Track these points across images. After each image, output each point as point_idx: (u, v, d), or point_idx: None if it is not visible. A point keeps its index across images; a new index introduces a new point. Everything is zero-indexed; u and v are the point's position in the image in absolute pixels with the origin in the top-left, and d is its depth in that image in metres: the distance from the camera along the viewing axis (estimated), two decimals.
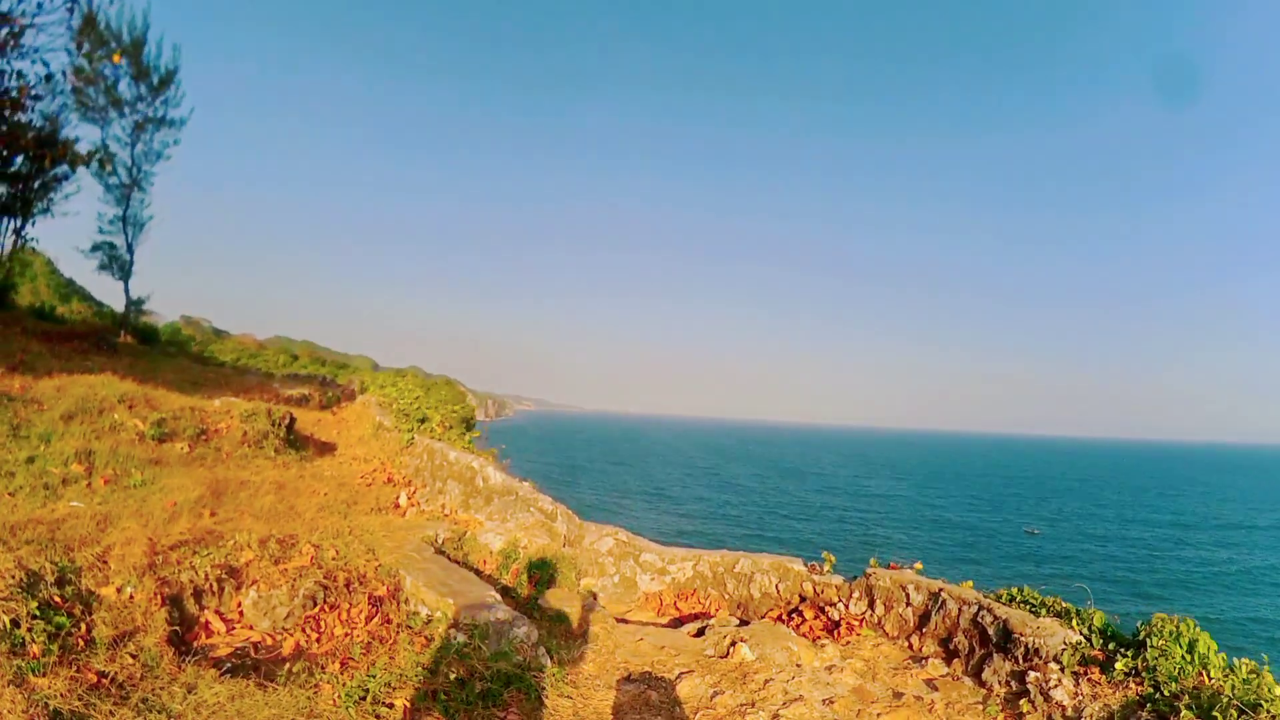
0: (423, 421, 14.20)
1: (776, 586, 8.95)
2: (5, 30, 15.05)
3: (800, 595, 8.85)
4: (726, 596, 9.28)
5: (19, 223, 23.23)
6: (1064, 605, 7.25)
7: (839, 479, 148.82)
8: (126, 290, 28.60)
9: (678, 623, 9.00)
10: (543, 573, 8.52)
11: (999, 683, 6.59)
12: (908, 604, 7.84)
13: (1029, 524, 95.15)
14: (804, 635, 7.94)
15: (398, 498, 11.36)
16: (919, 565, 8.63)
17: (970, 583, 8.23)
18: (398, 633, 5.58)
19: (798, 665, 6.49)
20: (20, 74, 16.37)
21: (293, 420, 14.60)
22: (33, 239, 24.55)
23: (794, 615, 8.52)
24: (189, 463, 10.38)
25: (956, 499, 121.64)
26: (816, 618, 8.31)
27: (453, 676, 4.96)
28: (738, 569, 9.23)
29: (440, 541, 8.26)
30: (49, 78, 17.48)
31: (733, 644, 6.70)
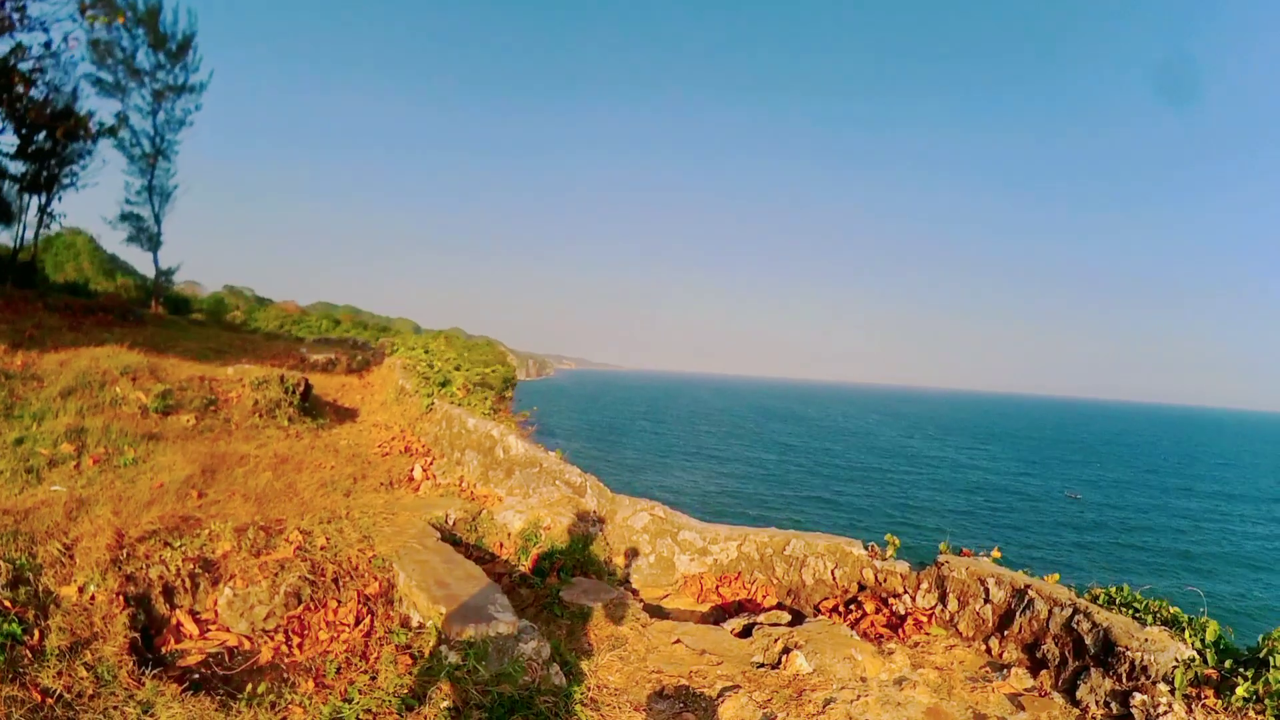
0: (444, 385, 13.37)
1: (832, 573, 7.94)
2: (9, 4, 14.37)
3: (859, 583, 7.83)
4: (775, 582, 8.30)
5: (44, 199, 22.90)
6: (1171, 611, 6.11)
7: (881, 439, 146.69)
8: (156, 261, 28.37)
9: (720, 611, 8.06)
10: (567, 558, 7.63)
11: (1096, 703, 5.53)
12: (986, 600, 6.77)
13: (1070, 488, 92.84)
14: (865, 632, 6.94)
15: (412, 470, 10.57)
16: (996, 553, 7.53)
17: (1056, 576, 7.12)
18: (382, 645, 4.70)
19: (862, 679, 5.49)
20: (25, 47, 15.78)
21: (308, 386, 13.89)
22: (61, 215, 24.32)
23: (852, 606, 7.52)
24: (192, 437, 9.67)
25: (999, 461, 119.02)
26: (878, 611, 7.29)
27: (444, 705, 4.06)
28: (788, 551, 8.23)
29: (451, 523, 7.39)
30: (48, 45, 16.84)
31: (785, 651, 5.71)
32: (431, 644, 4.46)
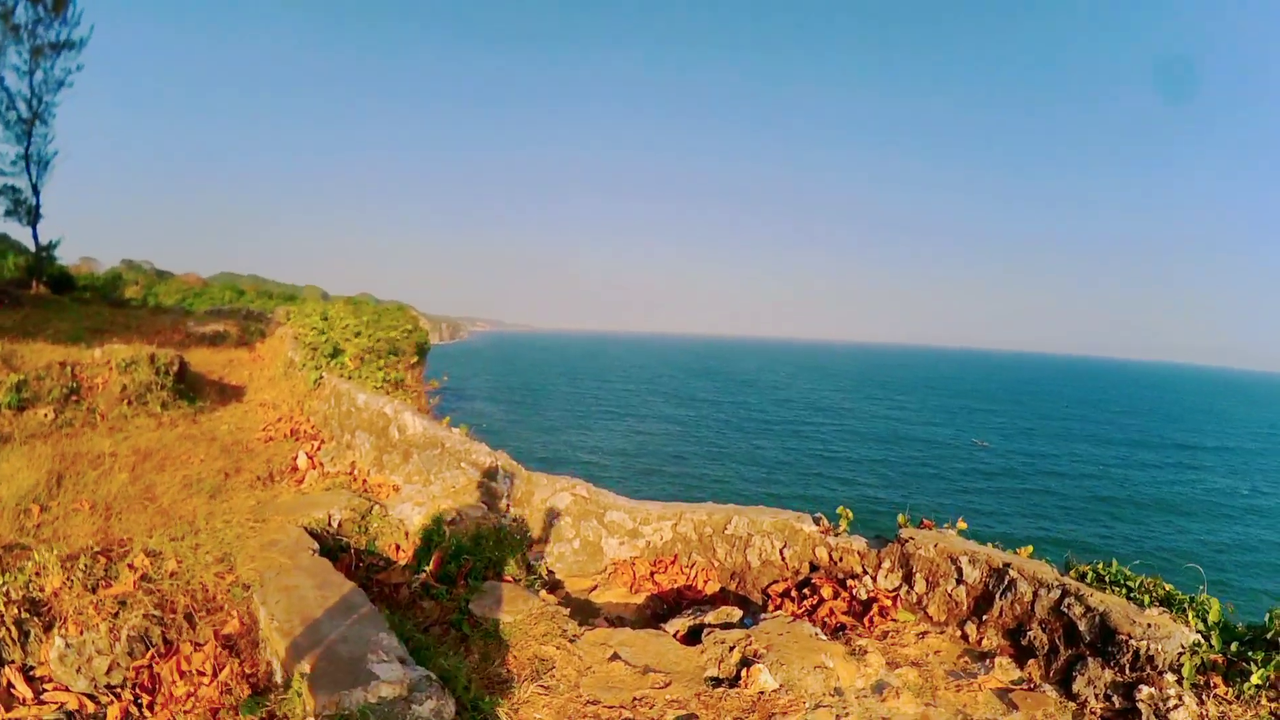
0: (334, 355, 11.83)
1: (781, 552, 7.06)
2: None
3: (811, 563, 6.97)
4: (716, 564, 7.38)
5: None
6: (1166, 589, 5.45)
7: (795, 390, 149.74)
8: (35, 236, 25.26)
9: (658, 602, 7.10)
10: (477, 557, 6.48)
11: (1096, 696, 4.81)
12: (959, 581, 5.99)
13: (979, 437, 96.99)
14: (825, 622, 6.08)
15: (295, 458, 9.17)
16: (962, 524, 6.79)
17: (1029, 549, 6.43)
18: (235, 715, 3.48)
19: (837, 691, 4.59)
20: None
21: (184, 365, 12.18)
22: None
23: (806, 591, 6.66)
24: (48, 434, 8.05)
25: (910, 411, 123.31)
26: (837, 596, 6.45)
27: None
28: (730, 530, 7.30)
29: (336, 524, 6.14)
30: None
31: (745, 663, 4.76)
32: (298, 712, 3.26)
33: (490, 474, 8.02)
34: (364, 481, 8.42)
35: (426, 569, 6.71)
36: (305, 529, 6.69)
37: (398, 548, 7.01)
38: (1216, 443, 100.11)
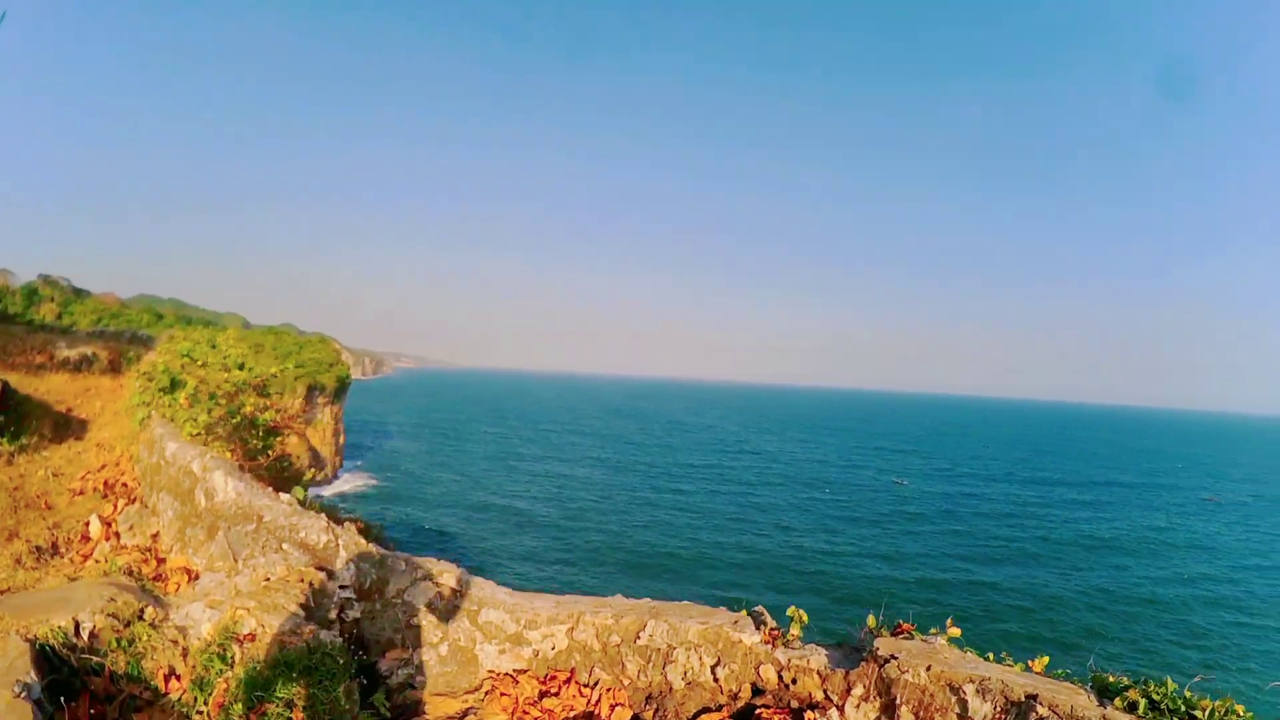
0: (170, 389, 9.51)
1: (713, 671, 5.19)
2: None
3: (755, 685, 5.13)
4: (627, 683, 5.46)
5: None
6: (1239, 712, 3.84)
7: (720, 434, 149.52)
8: None
9: None
10: (283, 689, 4.40)
11: None
12: (962, 716, 4.24)
13: (896, 475, 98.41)
14: None
15: (88, 525, 6.90)
16: (954, 629, 5.08)
17: (1046, 659, 4.78)
18: None
19: None
20: None
21: (7, 391, 9.84)
22: None
23: None
24: None
25: (830, 452, 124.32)
26: None
27: None
28: (645, 640, 5.40)
29: (86, 636, 4.02)
30: None
31: None
32: None
33: (324, 556, 5.93)
34: (159, 563, 6.23)
35: (208, 710, 4.60)
36: (35, 643, 4.53)
37: (171, 673, 4.86)
38: (1132, 479, 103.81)
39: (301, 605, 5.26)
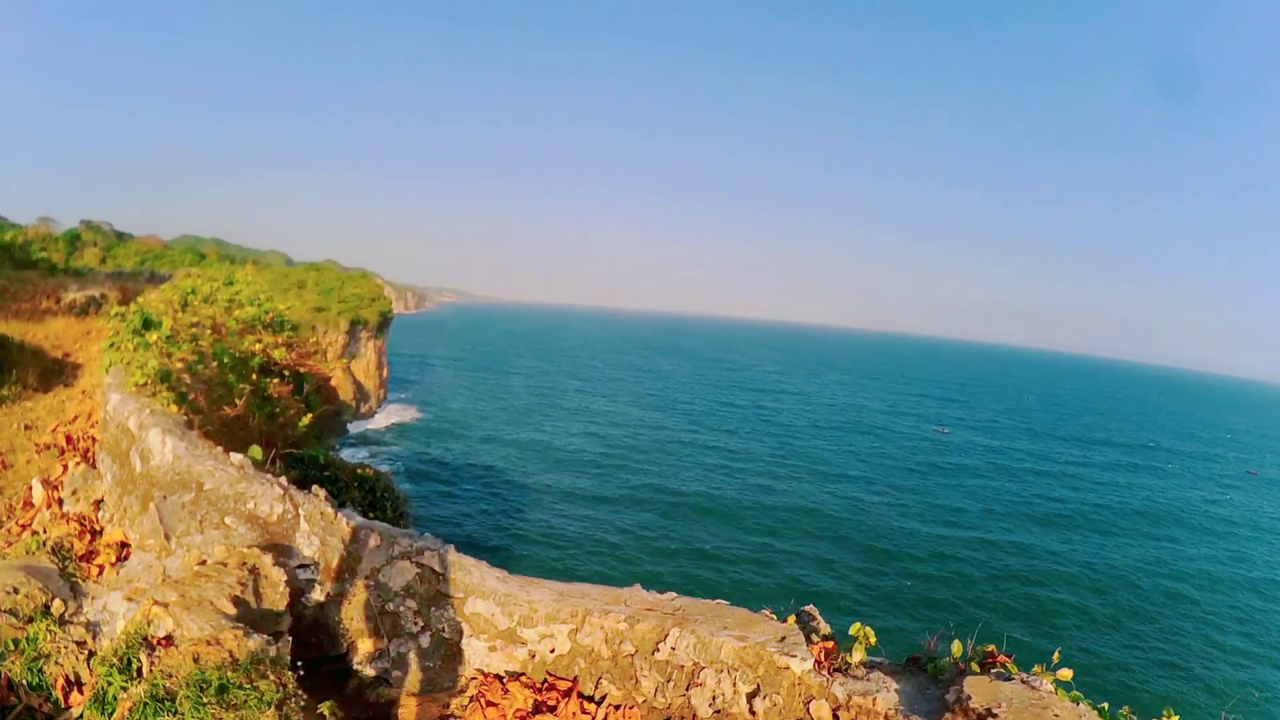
0: (143, 330, 8.49)
1: (750, 702, 4.06)
2: None
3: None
4: (641, 702, 4.38)
5: None
6: None
7: (760, 373, 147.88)
8: None
9: None
10: (197, 716, 3.39)
11: None
12: None
13: (938, 424, 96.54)
14: None
15: (30, 490, 6.00)
16: (1064, 671, 3.87)
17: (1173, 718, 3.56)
18: None
19: None
20: None
21: None
22: None
23: None
24: None
25: (873, 397, 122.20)
26: None
27: None
28: (665, 652, 4.29)
29: None
30: None
31: None
32: None
33: (278, 530, 4.91)
34: (93, 537, 5.29)
35: None
36: None
37: (73, 683, 3.90)
38: (1173, 444, 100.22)
39: (234, 599, 4.23)
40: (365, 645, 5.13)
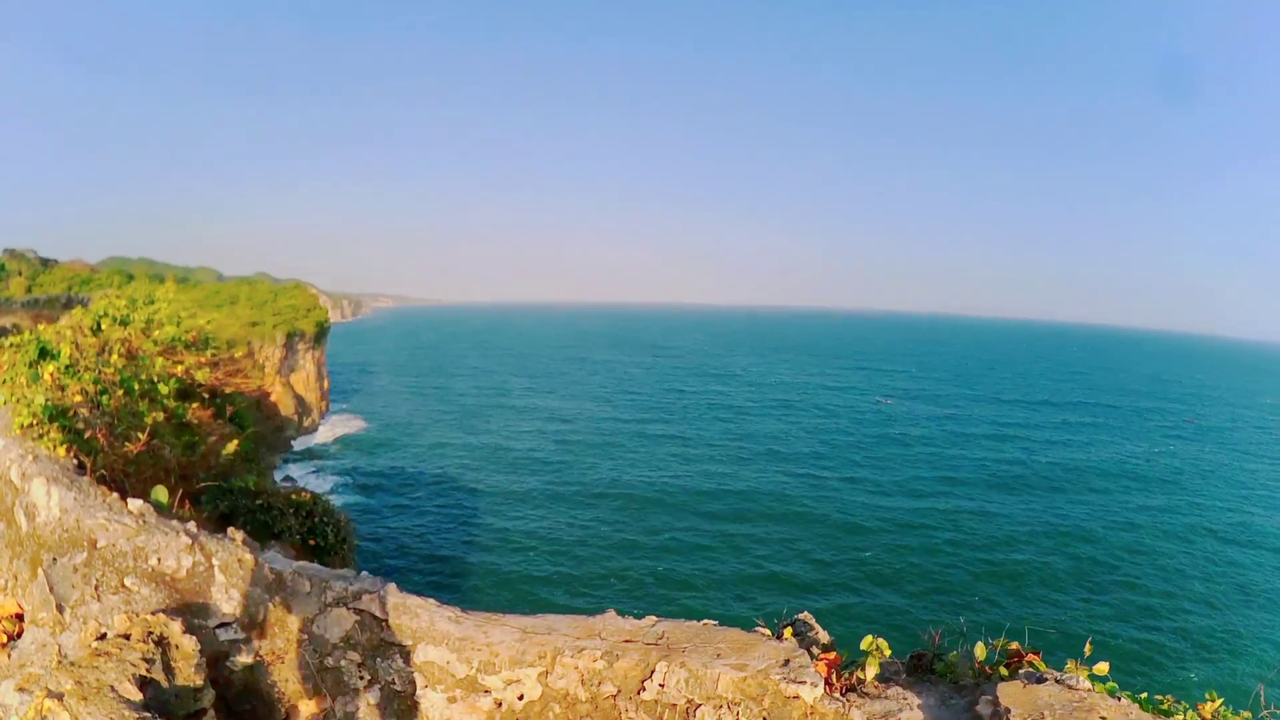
0: (39, 361, 7.51)
1: None
2: None
3: None
4: None
5: None
6: None
7: (705, 358, 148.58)
8: None
9: None
10: None
11: None
12: None
13: (881, 395, 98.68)
14: None
15: None
16: (1100, 665, 3.46)
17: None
18: None
19: None
20: None
21: None
22: None
23: None
24: None
25: (814, 373, 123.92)
26: None
27: None
28: (652, 691, 3.74)
29: None
30: None
31: None
32: None
33: (192, 587, 4.20)
34: None
35: None
36: None
37: None
38: (1110, 400, 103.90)
39: (140, 680, 3.53)
40: (307, 708, 4.48)
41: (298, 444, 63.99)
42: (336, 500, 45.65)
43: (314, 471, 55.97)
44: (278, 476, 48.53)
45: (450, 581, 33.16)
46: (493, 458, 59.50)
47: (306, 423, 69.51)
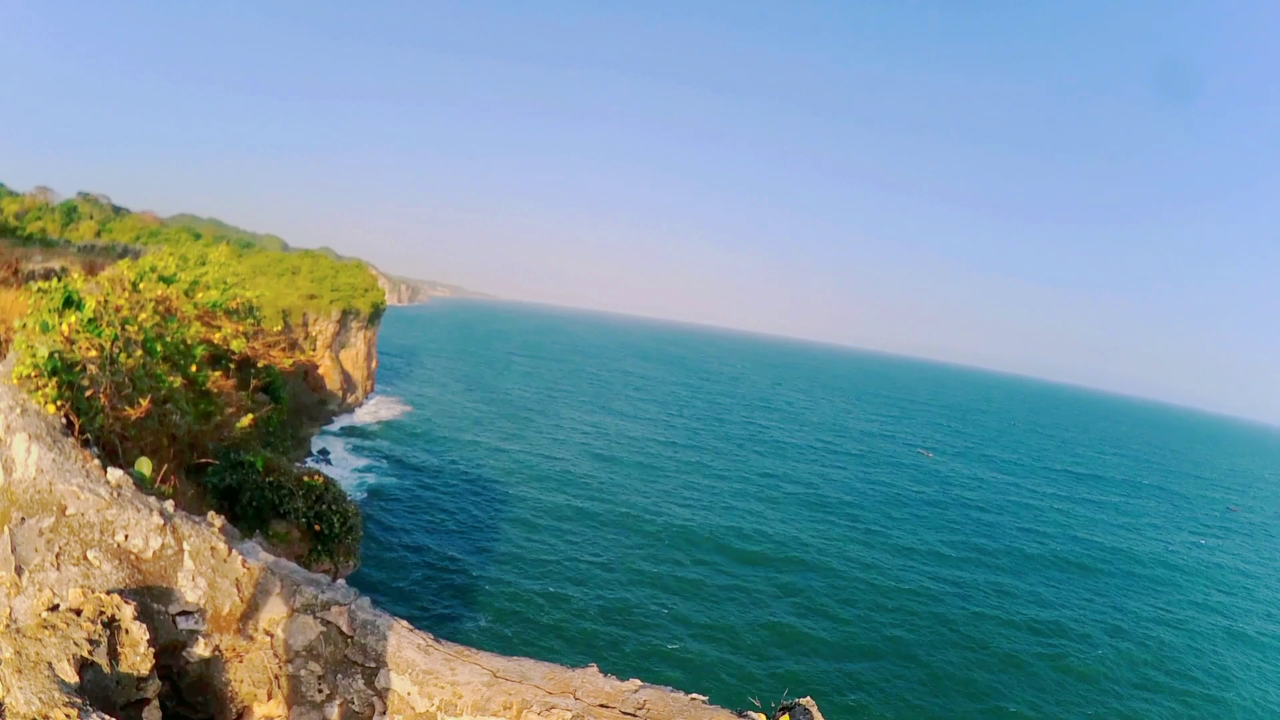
0: (62, 309, 7.44)
1: None
2: None
3: None
4: None
5: None
6: None
7: (750, 386, 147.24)
8: None
9: None
10: None
11: None
12: None
13: (924, 447, 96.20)
14: None
15: None
16: None
17: None
18: None
19: None
20: None
21: None
22: None
23: None
24: None
25: (858, 415, 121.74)
26: None
27: None
28: None
29: None
30: None
31: None
32: None
33: (159, 572, 3.96)
34: None
35: None
36: None
37: None
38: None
39: (80, 662, 3.28)
40: (261, 710, 4.20)
41: (338, 420, 64.95)
42: (363, 480, 46.02)
43: (349, 448, 56.67)
44: (314, 447, 49.16)
45: (447, 586, 32.91)
46: (524, 465, 59.42)
47: (350, 399, 70.56)
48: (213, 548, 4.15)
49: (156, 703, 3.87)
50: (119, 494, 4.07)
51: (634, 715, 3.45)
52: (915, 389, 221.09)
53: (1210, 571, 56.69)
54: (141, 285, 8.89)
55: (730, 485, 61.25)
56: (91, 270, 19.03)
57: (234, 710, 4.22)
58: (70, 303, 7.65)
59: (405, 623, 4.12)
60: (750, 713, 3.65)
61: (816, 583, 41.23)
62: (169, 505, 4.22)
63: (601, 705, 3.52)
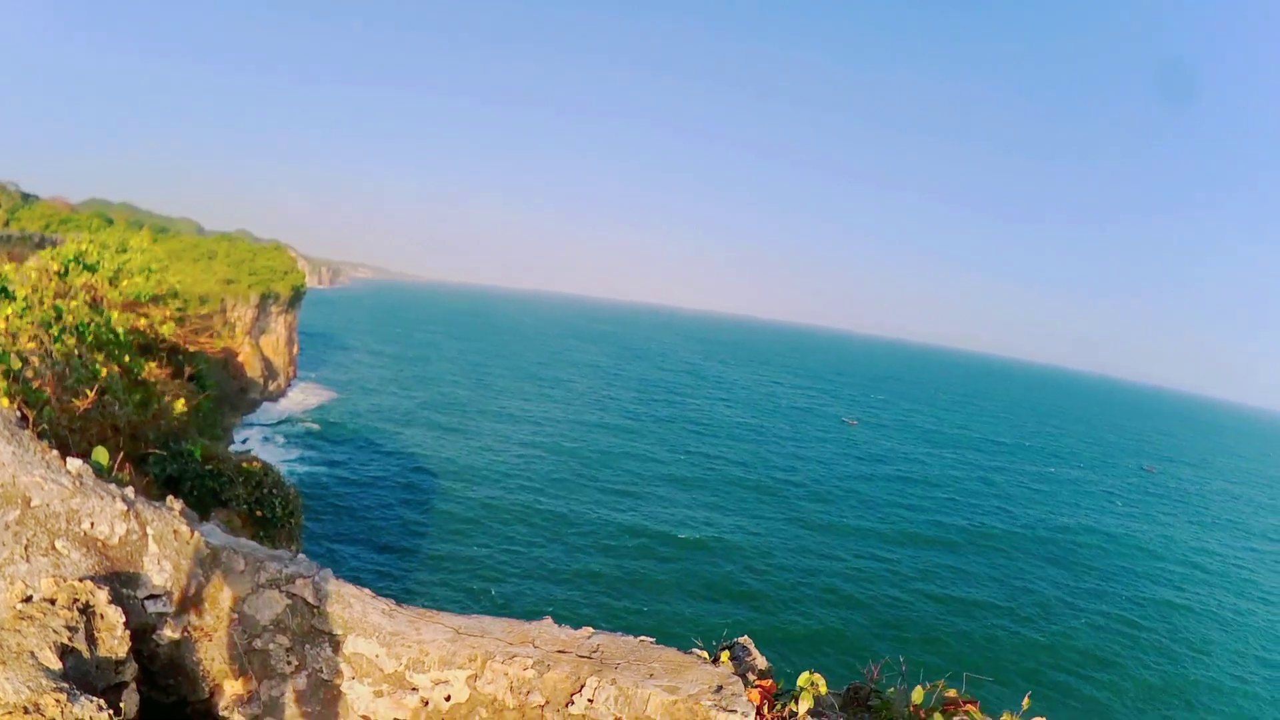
0: None
1: None
2: None
3: None
4: None
5: None
6: None
7: (680, 360, 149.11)
8: None
9: None
10: None
11: None
12: None
13: (849, 416, 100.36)
14: None
15: None
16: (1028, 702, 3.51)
17: None
18: None
19: None
20: None
21: None
22: None
23: None
24: None
25: (787, 386, 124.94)
26: None
27: None
28: (580, 706, 3.72)
29: None
30: None
31: None
32: None
33: (126, 557, 4.12)
34: None
35: None
36: None
37: None
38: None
39: (61, 648, 3.45)
40: (232, 688, 4.40)
41: (261, 408, 63.16)
42: (292, 470, 45.12)
43: (273, 438, 55.31)
44: (237, 438, 47.72)
45: (392, 566, 32.89)
46: (454, 451, 59.15)
47: (272, 387, 68.60)
48: (175, 530, 4.31)
49: (133, 685, 4.04)
50: (81, 483, 4.19)
51: (589, 658, 3.82)
52: (836, 359, 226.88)
53: (1128, 531, 60.59)
54: (69, 275, 8.73)
55: (665, 450, 62.19)
56: (13, 259, 18.18)
57: (206, 689, 4.41)
58: (3, 292, 7.50)
59: (369, 590, 4.38)
60: (695, 650, 4.07)
61: (758, 542, 42.44)
62: (129, 491, 4.36)
63: (559, 651, 3.88)
